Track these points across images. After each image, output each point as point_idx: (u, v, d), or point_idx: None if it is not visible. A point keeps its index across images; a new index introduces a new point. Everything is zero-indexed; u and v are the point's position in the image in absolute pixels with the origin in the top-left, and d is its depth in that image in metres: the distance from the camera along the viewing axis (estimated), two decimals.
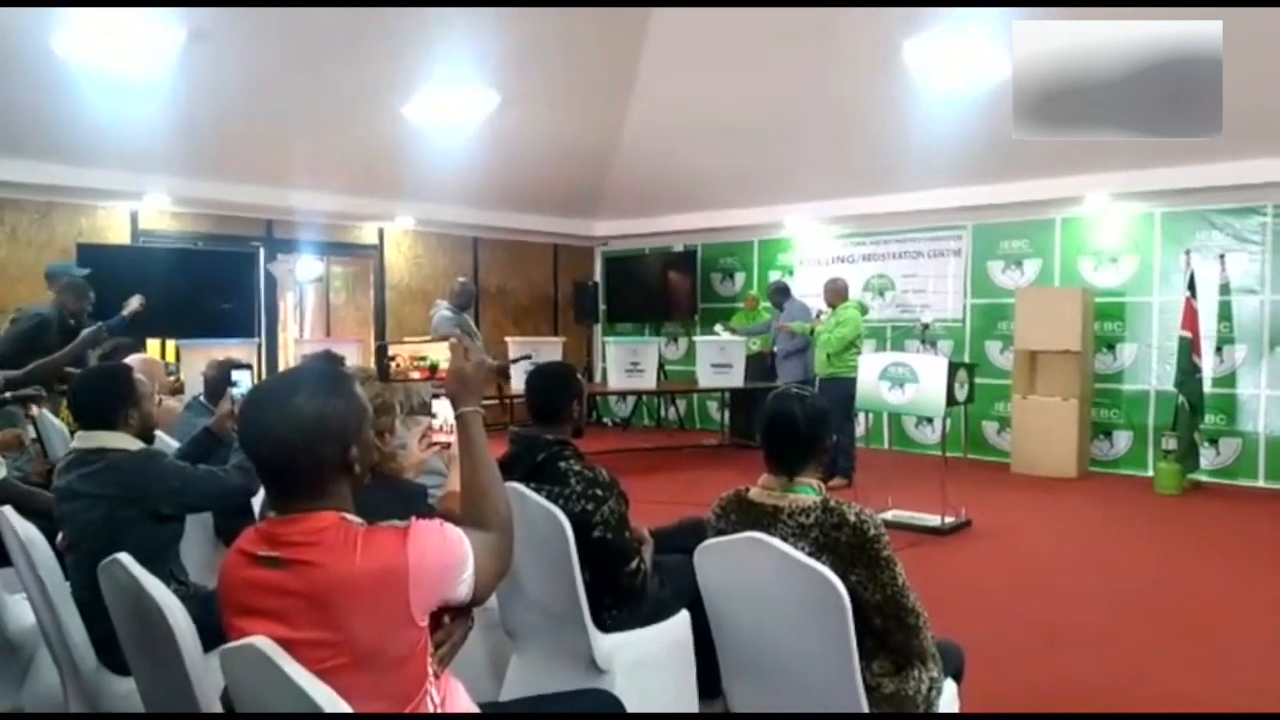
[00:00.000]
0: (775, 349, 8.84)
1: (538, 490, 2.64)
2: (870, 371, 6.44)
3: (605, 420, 12.01)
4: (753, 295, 10.34)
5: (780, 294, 9.04)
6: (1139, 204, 8.32)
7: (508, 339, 9.68)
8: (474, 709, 1.77)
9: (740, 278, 11.29)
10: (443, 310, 7.47)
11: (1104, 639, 4.20)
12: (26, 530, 2.45)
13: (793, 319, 8.57)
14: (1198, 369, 7.68)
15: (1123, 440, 8.57)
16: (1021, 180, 8.28)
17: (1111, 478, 8.30)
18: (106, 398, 2.76)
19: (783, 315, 8.78)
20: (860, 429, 9.39)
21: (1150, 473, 8.08)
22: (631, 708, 2.24)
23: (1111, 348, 8.63)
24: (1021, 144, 7.25)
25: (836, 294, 7.79)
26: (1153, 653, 4.06)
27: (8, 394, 4.47)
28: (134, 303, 6.39)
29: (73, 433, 3.53)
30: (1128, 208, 8.41)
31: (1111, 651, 4.06)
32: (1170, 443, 7.68)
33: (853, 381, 6.78)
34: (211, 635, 1.73)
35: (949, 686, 2.37)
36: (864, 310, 8.36)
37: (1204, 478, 7.90)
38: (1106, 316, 8.58)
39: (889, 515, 6.16)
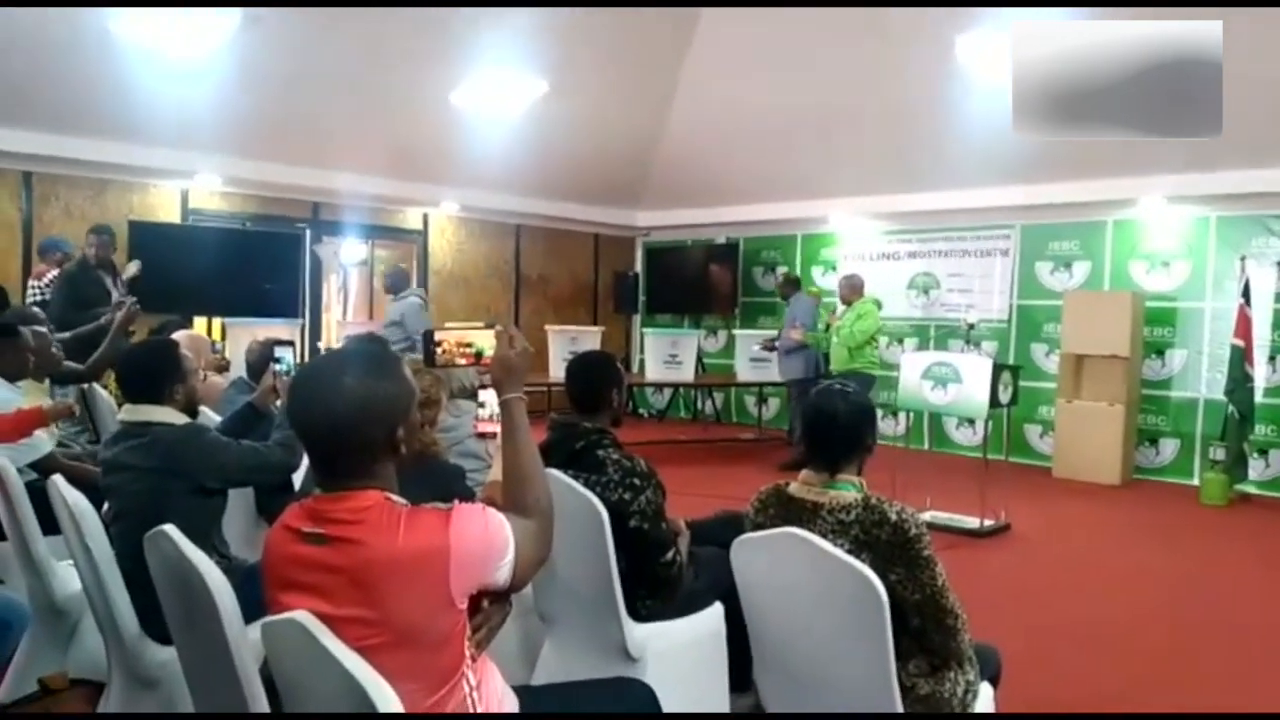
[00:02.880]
0: (777, 344, 8.69)
1: (575, 478, 2.65)
2: (912, 370, 6.38)
3: (641, 411, 12.01)
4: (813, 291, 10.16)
5: (789, 285, 8.92)
6: (1194, 208, 8.13)
7: (548, 327, 9.72)
8: (509, 693, 1.78)
9: (781, 271, 11.20)
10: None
11: (1143, 649, 4.14)
12: (75, 499, 2.49)
13: (797, 313, 8.48)
14: (1249, 378, 7.50)
15: (1169, 448, 8.40)
16: (1073, 181, 8.13)
17: (1156, 486, 8.14)
18: (153, 372, 2.79)
19: (789, 308, 8.67)
20: (900, 428, 9.30)
21: (1196, 482, 7.91)
22: (663, 697, 2.23)
23: (1161, 354, 8.46)
24: (1074, 144, 7.14)
25: (853, 289, 7.80)
26: (1192, 664, 3.99)
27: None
28: (132, 268, 6.58)
29: (120, 405, 3.61)
30: (1182, 211, 8.23)
31: (1150, 662, 3.99)
32: (1218, 452, 7.52)
33: (873, 379, 6.75)
34: (252, 607, 1.75)
35: (985, 690, 2.34)
36: (879, 306, 8.23)
37: (1252, 489, 7.73)
38: (1156, 322, 8.41)
39: (927, 516, 6.09)
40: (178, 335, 4.55)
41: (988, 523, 6.07)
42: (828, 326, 7.87)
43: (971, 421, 9.01)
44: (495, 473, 2.74)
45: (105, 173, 8.06)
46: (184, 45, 6.31)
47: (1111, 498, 7.60)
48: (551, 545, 1.77)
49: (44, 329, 4.26)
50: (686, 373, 9.50)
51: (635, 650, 2.67)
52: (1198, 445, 8.16)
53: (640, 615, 2.73)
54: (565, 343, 9.19)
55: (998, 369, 6.08)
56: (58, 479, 2.61)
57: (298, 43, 6.73)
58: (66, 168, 7.85)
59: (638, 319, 12.30)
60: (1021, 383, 6.58)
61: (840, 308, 7.87)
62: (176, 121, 7.31)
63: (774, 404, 10.32)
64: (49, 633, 3.03)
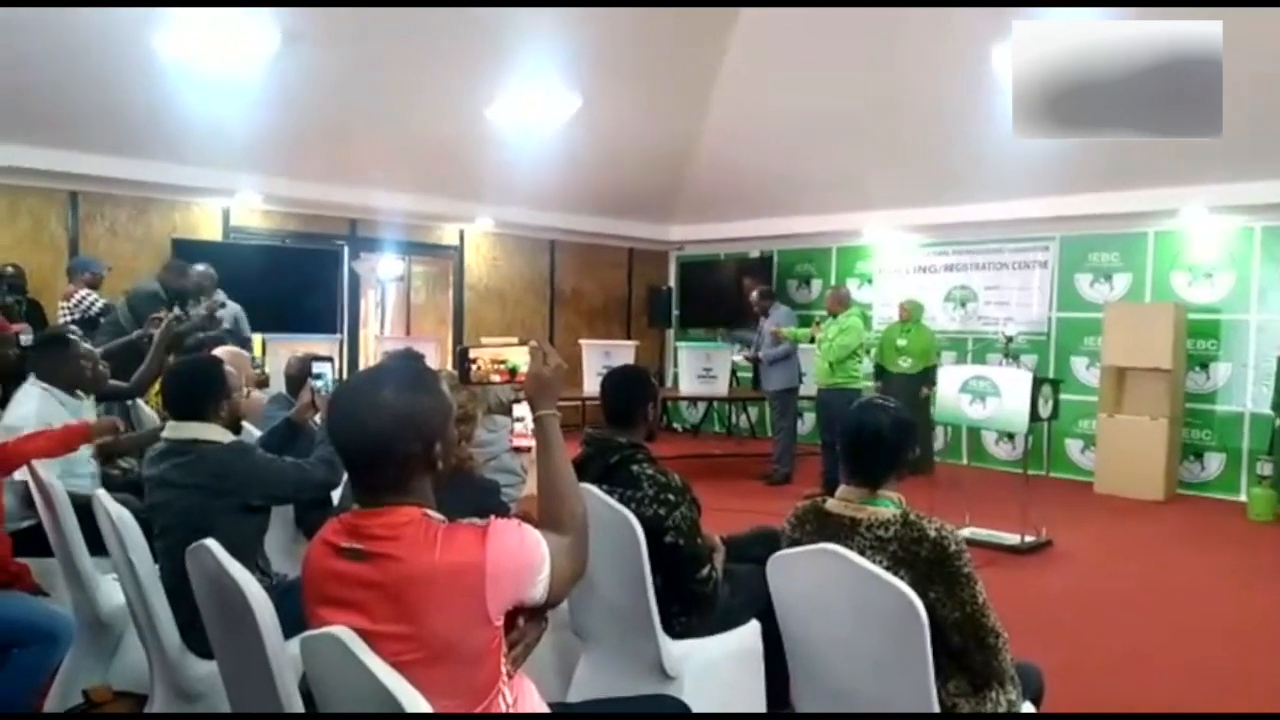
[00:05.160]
0: (760, 355, 8.51)
1: (610, 493, 2.65)
2: (950, 384, 6.32)
3: (675, 426, 11.99)
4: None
5: (765, 298, 8.73)
6: (1238, 218, 7.99)
7: (582, 341, 9.74)
8: (545, 710, 1.77)
9: (817, 285, 11.16)
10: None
11: (1190, 669, 4.05)
12: (120, 514, 2.53)
13: (779, 321, 8.30)
14: None
15: (1214, 463, 8.24)
16: (1114, 191, 8.01)
17: (1201, 501, 7.98)
18: (198, 390, 2.81)
19: (768, 321, 8.47)
20: (938, 443, 9.22)
21: (1243, 498, 7.74)
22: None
23: (1204, 366, 8.31)
24: (1115, 154, 7.06)
25: (839, 301, 7.66)
26: (1241, 685, 3.89)
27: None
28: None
29: (163, 420, 3.66)
30: (1226, 221, 8.09)
31: (1197, 682, 3.90)
32: (1265, 467, 7.36)
33: (857, 393, 6.72)
34: (291, 622, 1.77)
35: (1027, 709, 2.30)
36: (866, 321, 8.07)
37: None
38: (1200, 334, 8.26)
39: (966, 532, 6.01)
40: (219, 351, 4.61)
41: (1028, 539, 5.98)
42: (812, 339, 7.74)
43: (1011, 436, 8.91)
44: (530, 487, 2.75)
45: (149, 192, 8.22)
46: (225, 66, 6.43)
47: (1155, 513, 7.46)
48: (587, 561, 1.77)
49: (89, 346, 4.34)
50: (720, 387, 9.47)
51: (671, 667, 2.65)
52: (1244, 460, 7.99)
53: (676, 632, 2.72)
54: (599, 357, 9.20)
55: (1037, 382, 6.00)
56: (100, 493, 2.65)
57: (336, 63, 6.83)
58: (112, 187, 8.02)
59: (671, 333, 12.30)
60: (1062, 396, 6.49)
61: (827, 319, 7.69)
62: (218, 141, 7.45)
63: (809, 419, 10.25)
64: (93, 645, 3.08)
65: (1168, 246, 8.52)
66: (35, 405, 3.52)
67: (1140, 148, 6.84)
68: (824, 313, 7.80)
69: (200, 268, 6.58)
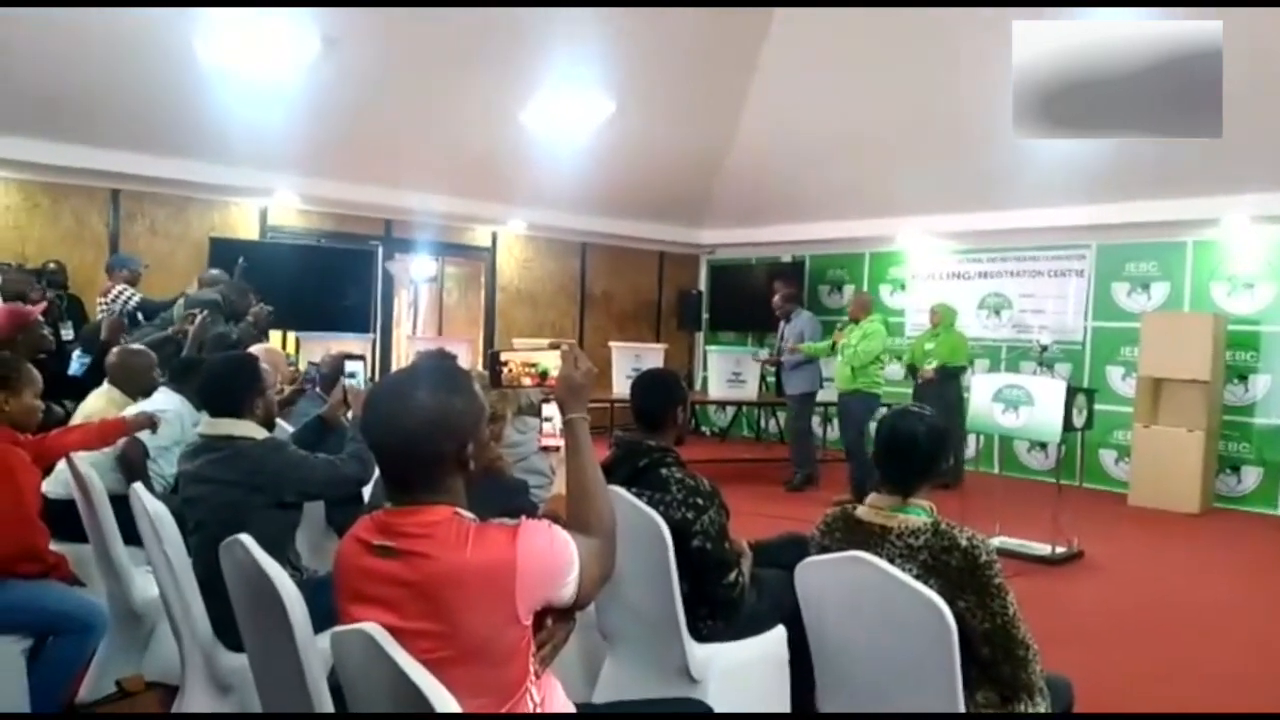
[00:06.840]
0: (783, 360, 8.42)
1: (639, 496, 2.65)
2: (983, 392, 6.26)
3: (704, 429, 11.97)
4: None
5: (788, 301, 8.55)
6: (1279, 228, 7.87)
7: (611, 344, 9.75)
8: (572, 710, 1.78)
9: (849, 290, 11.09)
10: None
11: (1223, 684, 3.98)
12: (156, 508, 2.57)
13: (799, 330, 8.21)
14: None
15: (1251, 476, 8.09)
16: (1152, 199, 7.89)
17: (1237, 515, 7.85)
18: (234, 386, 2.85)
19: (789, 326, 8.38)
20: (970, 451, 9.13)
21: None
22: None
23: (1243, 378, 8.16)
24: (1153, 161, 6.97)
25: (861, 307, 7.63)
26: (1273, 702, 3.82)
27: None
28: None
29: None
30: (1268, 231, 7.95)
31: (1230, 699, 3.83)
32: None
33: (877, 398, 6.64)
34: (321, 617, 1.79)
35: None
36: (887, 327, 7.97)
37: None
38: (1239, 345, 8.12)
39: (996, 541, 5.95)
40: (255, 348, 4.67)
41: (1059, 550, 5.91)
42: (834, 345, 7.68)
43: (1044, 445, 8.81)
44: (558, 487, 2.76)
45: (189, 191, 8.34)
46: (265, 69, 6.52)
47: (1190, 526, 7.34)
48: (615, 563, 1.77)
49: (142, 347, 4.44)
50: (750, 391, 9.44)
51: (696, 671, 2.65)
52: None
53: (701, 635, 2.71)
54: (629, 359, 9.21)
55: (1071, 392, 5.92)
56: (137, 487, 2.69)
57: (373, 67, 6.90)
58: (152, 186, 8.14)
59: (700, 336, 12.28)
60: (1096, 406, 6.41)
61: (849, 324, 7.61)
62: (257, 142, 7.54)
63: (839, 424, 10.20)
64: (127, 636, 3.13)
65: (1207, 256, 8.39)
66: (176, 404, 3.91)
67: (1181, 156, 6.75)
68: (848, 318, 7.76)
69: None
